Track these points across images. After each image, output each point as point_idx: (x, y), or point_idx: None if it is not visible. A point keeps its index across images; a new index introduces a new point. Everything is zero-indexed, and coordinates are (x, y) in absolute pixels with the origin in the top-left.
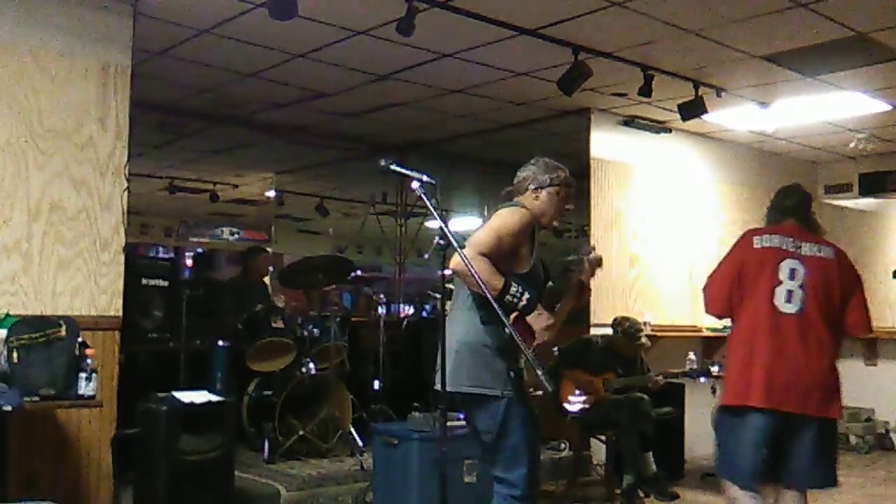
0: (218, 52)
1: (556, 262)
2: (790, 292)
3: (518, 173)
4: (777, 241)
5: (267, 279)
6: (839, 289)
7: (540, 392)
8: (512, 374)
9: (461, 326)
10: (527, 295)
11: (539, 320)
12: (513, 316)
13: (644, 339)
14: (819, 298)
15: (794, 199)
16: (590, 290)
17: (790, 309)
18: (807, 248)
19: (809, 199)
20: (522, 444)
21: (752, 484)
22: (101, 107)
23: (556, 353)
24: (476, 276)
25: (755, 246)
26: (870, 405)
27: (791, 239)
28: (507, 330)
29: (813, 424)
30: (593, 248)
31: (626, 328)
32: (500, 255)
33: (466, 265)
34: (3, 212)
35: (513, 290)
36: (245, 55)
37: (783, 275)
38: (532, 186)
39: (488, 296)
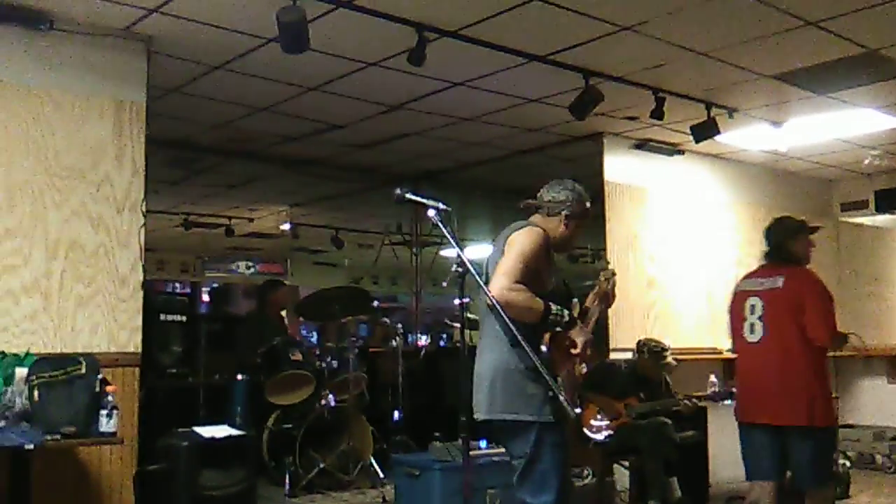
0: (231, 87)
1: (575, 288)
2: (752, 325)
3: (551, 192)
4: (745, 284)
5: (284, 312)
6: (790, 310)
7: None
8: (550, 395)
9: (493, 353)
10: (567, 311)
11: (582, 334)
12: (546, 336)
13: (670, 359)
14: (774, 324)
15: (770, 240)
16: (614, 296)
17: (754, 339)
18: (766, 283)
19: (788, 232)
20: (552, 470)
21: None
22: (117, 144)
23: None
24: (505, 310)
25: (735, 292)
26: (895, 424)
27: (757, 279)
28: (541, 350)
29: (792, 433)
30: (608, 263)
31: (651, 347)
32: (527, 277)
33: (505, 298)
34: (21, 251)
35: (554, 309)
36: (258, 90)
37: (747, 312)
38: (551, 206)
39: (509, 328)
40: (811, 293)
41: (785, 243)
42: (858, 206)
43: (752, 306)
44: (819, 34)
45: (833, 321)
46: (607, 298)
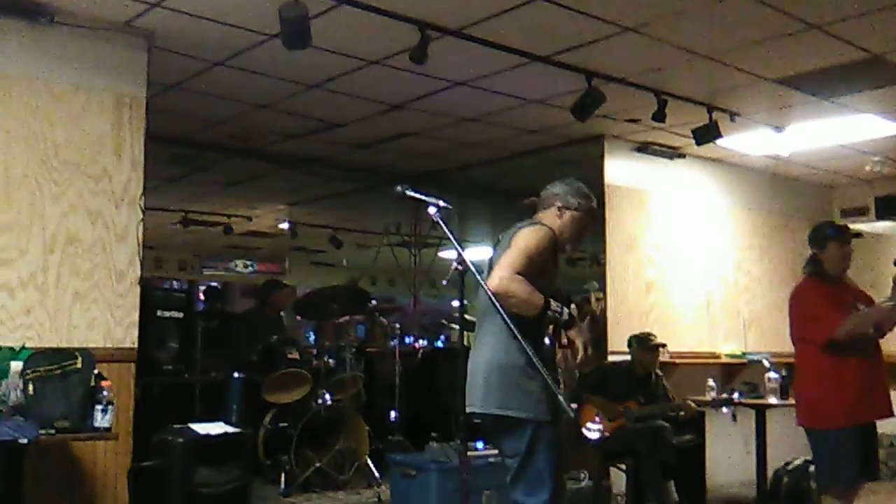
0: (232, 83)
1: (572, 290)
2: None
3: (548, 187)
4: None
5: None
6: (790, 323)
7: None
8: (545, 393)
9: (490, 348)
10: (567, 309)
11: (581, 334)
12: (550, 328)
13: (657, 340)
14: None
15: None
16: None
17: None
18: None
19: (811, 241)
20: (547, 469)
21: None
22: (117, 139)
23: (577, 377)
24: (504, 301)
25: None
26: (892, 431)
27: None
28: (541, 345)
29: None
30: (596, 286)
31: (637, 336)
32: (531, 274)
33: (504, 288)
34: (19, 244)
35: (553, 305)
36: (259, 87)
37: None
38: (558, 204)
39: (507, 322)
40: (795, 306)
41: (813, 252)
42: (859, 212)
43: None
44: (823, 38)
45: (821, 322)
46: (597, 321)
